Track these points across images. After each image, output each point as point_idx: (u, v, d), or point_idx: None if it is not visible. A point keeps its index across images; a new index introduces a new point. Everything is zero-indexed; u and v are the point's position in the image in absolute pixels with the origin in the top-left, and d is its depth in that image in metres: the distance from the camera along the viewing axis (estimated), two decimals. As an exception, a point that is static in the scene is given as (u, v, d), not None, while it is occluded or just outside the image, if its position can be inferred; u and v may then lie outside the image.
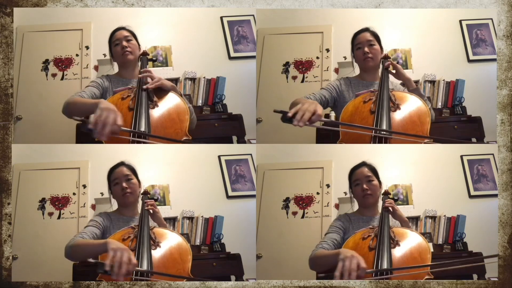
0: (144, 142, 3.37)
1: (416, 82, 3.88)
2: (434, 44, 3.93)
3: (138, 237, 3.31)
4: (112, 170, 3.53)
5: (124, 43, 3.56)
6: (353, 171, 3.54)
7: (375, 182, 3.51)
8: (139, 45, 3.61)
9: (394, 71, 3.51)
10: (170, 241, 3.36)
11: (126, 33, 3.59)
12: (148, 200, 3.44)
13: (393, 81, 3.57)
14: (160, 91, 3.48)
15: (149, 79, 3.46)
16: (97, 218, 3.46)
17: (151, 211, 3.41)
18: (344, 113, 3.45)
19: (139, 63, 3.56)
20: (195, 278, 3.37)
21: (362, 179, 3.50)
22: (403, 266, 3.29)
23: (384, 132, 3.36)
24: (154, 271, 3.25)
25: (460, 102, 3.92)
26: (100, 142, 3.40)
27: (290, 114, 3.15)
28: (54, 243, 3.75)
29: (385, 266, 3.27)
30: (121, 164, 3.54)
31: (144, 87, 3.44)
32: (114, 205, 3.55)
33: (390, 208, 3.41)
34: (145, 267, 3.26)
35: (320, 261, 3.29)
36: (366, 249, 3.30)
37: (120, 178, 3.50)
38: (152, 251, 3.30)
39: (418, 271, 3.30)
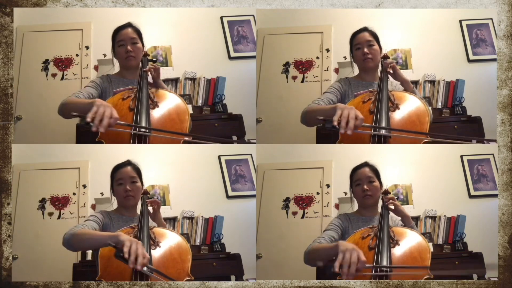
0: (145, 137, 3.36)
1: (416, 82, 3.88)
2: (434, 44, 3.92)
3: (138, 236, 3.30)
4: (117, 169, 3.49)
5: (129, 47, 3.51)
6: (354, 170, 3.55)
7: (376, 183, 3.51)
8: (143, 45, 3.56)
9: (391, 71, 3.51)
10: (169, 240, 3.36)
11: (132, 34, 3.53)
12: (151, 199, 3.41)
13: (392, 81, 3.57)
14: (160, 91, 3.49)
15: (152, 71, 3.47)
16: (97, 215, 3.43)
17: (155, 206, 3.40)
18: (343, 113, 3.44)
19: (140, 63, 3.54)
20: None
21: (363, 179, 3.51)
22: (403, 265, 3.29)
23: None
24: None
25: (460, 102, 3.91)
26: (100, 142, 3.41)
27: (335, 123, 3.14)
28: (54, 243, 3.74)
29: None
30: (128, 163, 3.49)
31: (145, 69, 3.45)
32: (114, 204, 3.53)
33: (392, 206, 3.40)
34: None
35: (317, 253, 3.26)
36: (366, 248, 3.30)
37: (125, 179, 3.45)
38: (152, 251, 3.30)
39: (417, 271, 3.30)
